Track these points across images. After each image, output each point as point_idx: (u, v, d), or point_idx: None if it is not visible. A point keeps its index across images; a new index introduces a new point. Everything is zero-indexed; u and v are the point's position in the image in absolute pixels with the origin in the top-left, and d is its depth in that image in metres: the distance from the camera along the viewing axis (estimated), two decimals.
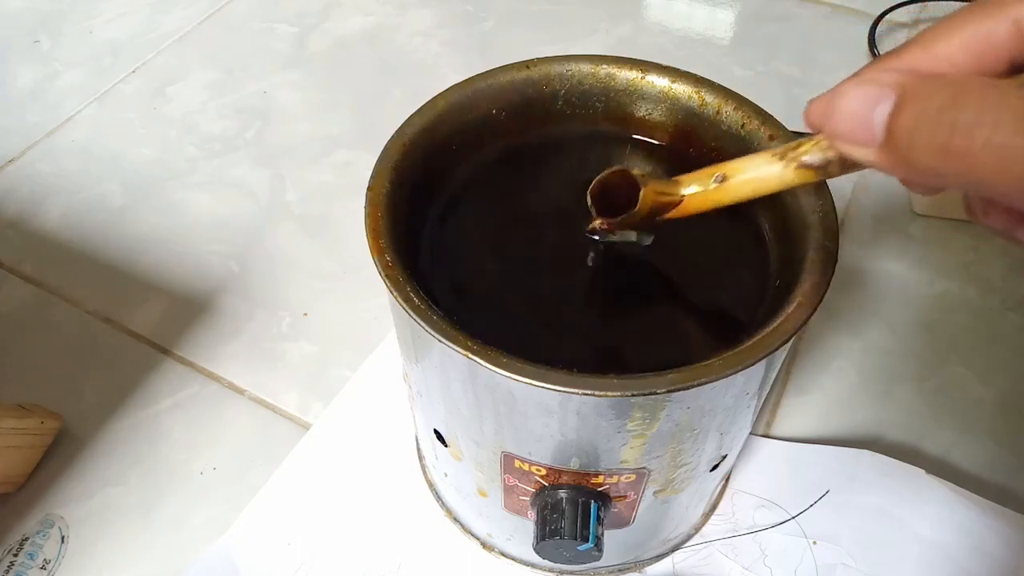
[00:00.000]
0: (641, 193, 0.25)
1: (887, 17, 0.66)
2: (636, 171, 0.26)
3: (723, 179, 0.25)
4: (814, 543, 0.38)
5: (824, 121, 0.20)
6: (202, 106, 0.62)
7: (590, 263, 0.30)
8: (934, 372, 0.45)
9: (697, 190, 0.26)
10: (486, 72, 0.32)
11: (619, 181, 0.26)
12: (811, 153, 0.22)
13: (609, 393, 0.23)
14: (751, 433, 0.41)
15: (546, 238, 0.32)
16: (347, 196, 0.55)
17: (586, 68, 0.33)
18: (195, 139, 0.59)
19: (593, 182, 0.27)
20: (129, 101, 0.63)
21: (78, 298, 0.49)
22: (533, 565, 0.38)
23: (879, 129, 0.18)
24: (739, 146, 0.31)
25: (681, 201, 0.26)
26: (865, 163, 0.20)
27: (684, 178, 0.26)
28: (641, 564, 0.38)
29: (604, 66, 0.33)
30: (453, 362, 0.25)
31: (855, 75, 0.20)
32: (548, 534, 0.28)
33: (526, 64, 0.33)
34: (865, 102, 0.18)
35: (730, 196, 0.25)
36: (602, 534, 0.29)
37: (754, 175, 0.24)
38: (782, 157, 0.23)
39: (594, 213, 0.27)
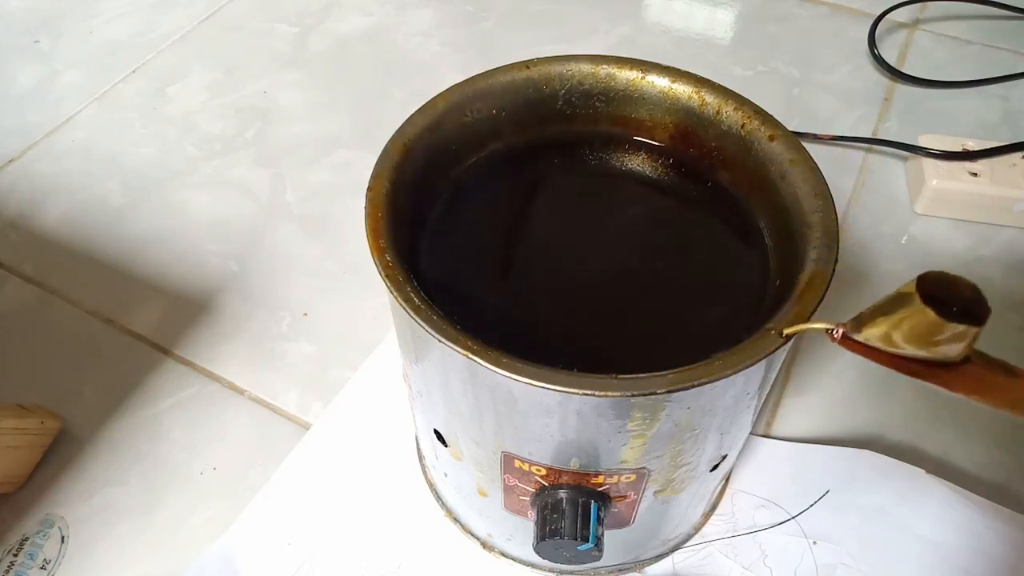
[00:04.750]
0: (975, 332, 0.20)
1: (887, 17, 0.66)
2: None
3: (1013, 373, 0.22)
4: (814, 543, 0.38)
5: None
6: (202, 106, 0.62)
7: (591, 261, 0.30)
8: None
9: (984, 370, 0.22)
10: (486, 72, 0.32)
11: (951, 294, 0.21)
12: None
13: (609, 393, 0.23)
14: (751, 433, 0.41)
15: (547, 238, 0.32)
16: (347, 196, 0.55)
17: (586, 68, 0.33)
18: (195, 139, 0.59)
19: (940, 274, 0.21)
20: (129, 101, 0.63)
21: (78, 298, 0.49)
22: (533, 565, 0.38)
23: None
24: (739, 146, 0.31)
25: (962, 364, 0.22)
26: None
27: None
28: (641, 564, 0.38)
29: (604, 66, 0.33)
30: (453, 362, 0.25)
31: None
32: (548, 534, 0.28)
33: (526, 64, 0.33)
34: None
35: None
36: (602, 534, 0.29)
37: None
38: None
39: (918, 300, 0.21)
